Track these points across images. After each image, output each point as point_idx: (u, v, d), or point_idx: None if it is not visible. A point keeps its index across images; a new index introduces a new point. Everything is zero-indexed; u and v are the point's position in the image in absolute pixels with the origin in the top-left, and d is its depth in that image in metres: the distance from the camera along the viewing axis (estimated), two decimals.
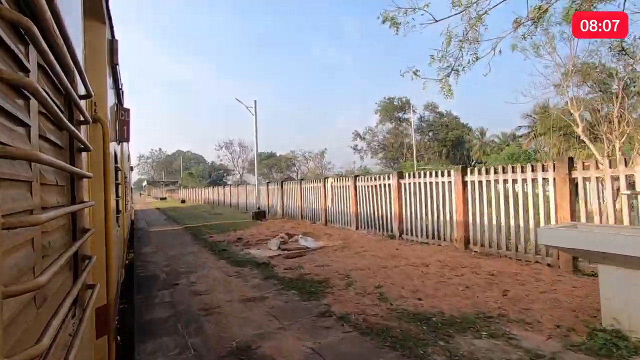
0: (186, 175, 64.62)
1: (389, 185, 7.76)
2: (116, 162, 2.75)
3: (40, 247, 0.80)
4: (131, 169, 12.29)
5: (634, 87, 14.73)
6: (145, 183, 73.01)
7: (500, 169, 5.41)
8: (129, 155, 7.65)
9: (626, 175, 4.04)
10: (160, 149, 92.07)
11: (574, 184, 4.55)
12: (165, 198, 46.64)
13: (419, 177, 6.97)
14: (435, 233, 6.50)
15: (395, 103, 46.99)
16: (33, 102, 0.77)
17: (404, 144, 45.77)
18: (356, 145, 50.80)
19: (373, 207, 8.31)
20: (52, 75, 0.86)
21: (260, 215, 13.16)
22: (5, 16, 0.55)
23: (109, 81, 2.26)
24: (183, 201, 34.32)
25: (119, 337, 2.52)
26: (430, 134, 45.90)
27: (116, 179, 2.75)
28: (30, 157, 0.59)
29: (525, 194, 5.04)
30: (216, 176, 62.31)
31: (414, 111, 45.45)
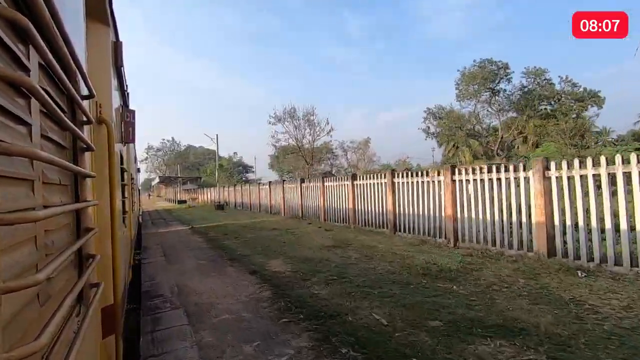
0: (213, 168, 49.28)
1: None
2: (122, 163, 2.78)
3: (43, 245, 0.80)
4: (138, 170, 12.42)
5: None
6: (156, 180, 54.09)
7: None
8: (135, 157, 7.74)
9: None
10: (173, 139, 74.56)
11: None
12: (184, 201, 33.11)
13: None
14: None
15: (489, 68, 32.33)
16: (34, 102, 0.77)
17: (497, 126, 33.15)
18: (428, 128, 37.80)
19: None
20: (53, 75, 0.87)
21: None
22: (3, 14, 0.56)
23: (114, 83, 2.29)
24: (220, 206, 21.71)
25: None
26: (539, 109, 32.14)
27: (122, 179, 2.77)
28: (27, 154, 0.60)
29: None
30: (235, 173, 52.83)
31: (509, 80, 32.23)
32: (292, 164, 40.59)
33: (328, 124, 30.97)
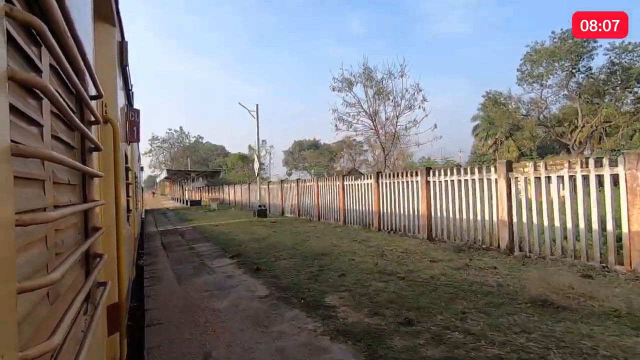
0: (235, 160, 43.81)
1: None
2: (126, 162, 2.79)
3: (53, 244, 0.81)
4: (141, 169, 12.47)
5: None
6: (162, 176, 39.75)
7: None
8: (139, 156, 7.78)
9: None
10: (181, 129, 62.65)
11: None
12: (198, 202, 25.97)
13: None
14: None
15: (571, 42, 24.59)
16: (45, 103, 0.78)
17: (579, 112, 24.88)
18: (488, 116, 31.74)
19: None
20: (64, 76, 0.88)
21: None
22: (18, 17, 0.56)
23: (119, 82, 2.30)
24: (261, 212, 13.25)
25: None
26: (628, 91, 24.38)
27: (126, 178, 2.79)
28: (42, 155, 0.60)
29: None
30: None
31: (591, 57, 24.72)
32: (309, 160, 35.18)
33: (420, 91, 16.21)
